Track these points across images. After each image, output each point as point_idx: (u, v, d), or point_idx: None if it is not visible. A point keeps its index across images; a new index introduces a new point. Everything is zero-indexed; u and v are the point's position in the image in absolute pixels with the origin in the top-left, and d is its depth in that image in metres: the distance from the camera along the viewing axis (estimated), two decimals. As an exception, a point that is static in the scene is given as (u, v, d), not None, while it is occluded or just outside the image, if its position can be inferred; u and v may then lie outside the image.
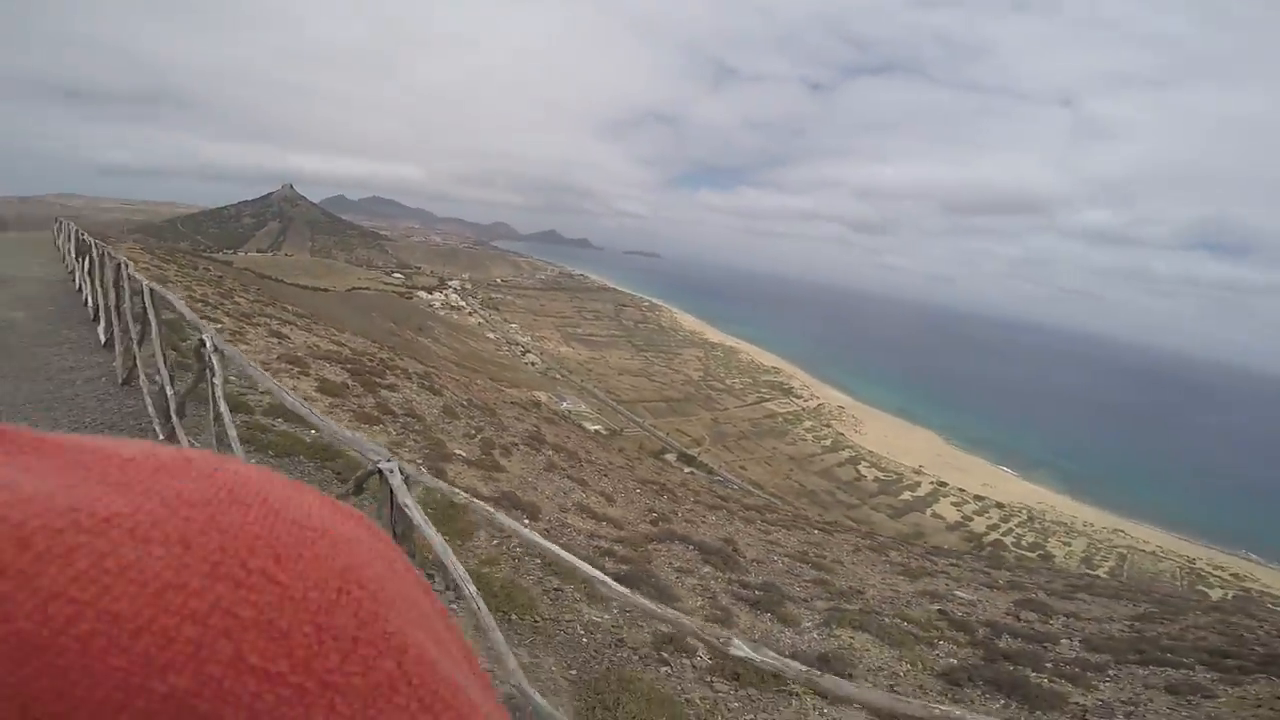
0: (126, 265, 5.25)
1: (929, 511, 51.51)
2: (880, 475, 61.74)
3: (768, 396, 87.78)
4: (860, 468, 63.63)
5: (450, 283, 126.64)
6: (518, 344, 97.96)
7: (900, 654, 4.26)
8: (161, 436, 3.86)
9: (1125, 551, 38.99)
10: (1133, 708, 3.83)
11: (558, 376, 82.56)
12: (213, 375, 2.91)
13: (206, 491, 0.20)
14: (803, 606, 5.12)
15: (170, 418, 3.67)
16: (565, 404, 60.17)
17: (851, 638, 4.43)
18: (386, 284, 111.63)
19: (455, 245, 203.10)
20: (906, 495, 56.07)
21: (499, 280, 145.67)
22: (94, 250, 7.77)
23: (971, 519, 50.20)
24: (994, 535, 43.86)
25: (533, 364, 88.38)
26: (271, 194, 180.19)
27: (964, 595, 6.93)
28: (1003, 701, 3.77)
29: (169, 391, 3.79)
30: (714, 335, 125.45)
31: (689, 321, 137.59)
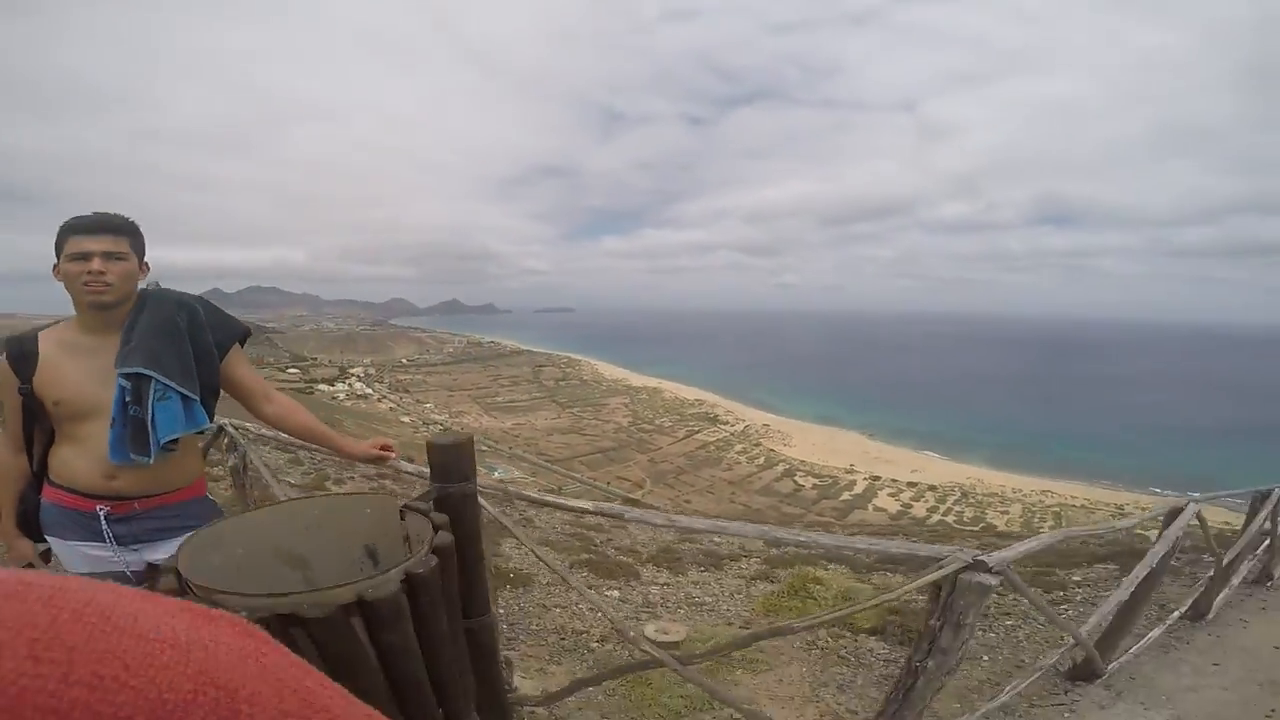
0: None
1: (870, 507, 53.28)
2: (817, 482, 63.46)
3: (697, 429, 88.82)
4: (797, 478, 65.18)
5: (352, 370, 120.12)
6: (436, 423, 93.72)
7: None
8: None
9: (1058, 509, 41.53)
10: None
11: (484, 448, 79.45)
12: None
13: (48, 615, 0.20)
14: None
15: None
16: (497, 473, 57.84)
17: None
18: (282, 381, 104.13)
19: (351, 329, 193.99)
20: (846, 496, 57.83)
21: (405, 360, 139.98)
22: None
23: (911, 505, 52.39)
24: (935, 517, 45.77)
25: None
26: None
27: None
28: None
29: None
30: (636, 380, 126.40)
31: (610, 370, 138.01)
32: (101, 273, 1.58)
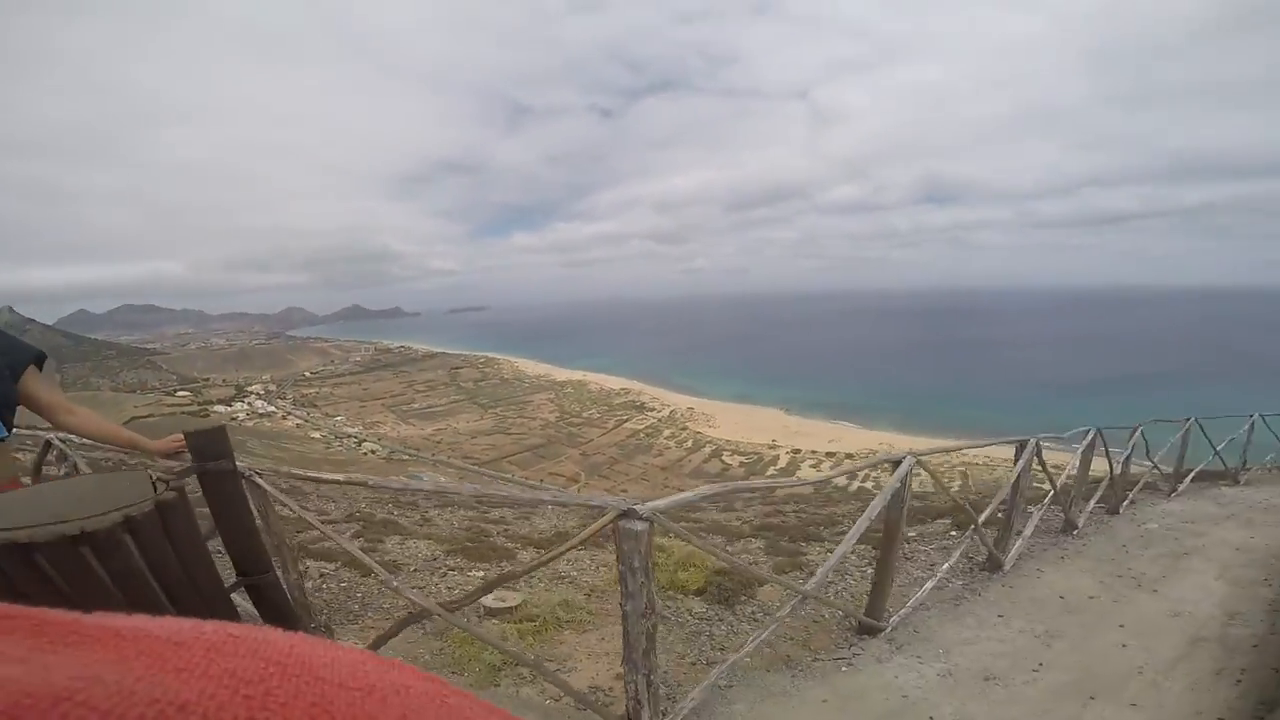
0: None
1: (795, 478, 56.48)
2: (743, 459, 66.40)
3: (625, 417, 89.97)
4: (724, 458, 67.87)
5: (250, 388, 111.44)
6: (349, 436, 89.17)
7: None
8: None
9: (964, 469, 44.93)
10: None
11: (405, 457, 76.63)
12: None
13: (257, 669, 0.21)
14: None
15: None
16: (424, 478, 56.09)
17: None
18: (172, 406, 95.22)
19: (245, 344, 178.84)
20: (771, 471, 60.97)
21: (308, 373, 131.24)
22: None
23: (849, 482, 55.93)
24: (855, 485, 49.28)
25: (373, 452, 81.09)
26: None
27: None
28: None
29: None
30: (560, 374, 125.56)
31: (531, 367, 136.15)
32: None
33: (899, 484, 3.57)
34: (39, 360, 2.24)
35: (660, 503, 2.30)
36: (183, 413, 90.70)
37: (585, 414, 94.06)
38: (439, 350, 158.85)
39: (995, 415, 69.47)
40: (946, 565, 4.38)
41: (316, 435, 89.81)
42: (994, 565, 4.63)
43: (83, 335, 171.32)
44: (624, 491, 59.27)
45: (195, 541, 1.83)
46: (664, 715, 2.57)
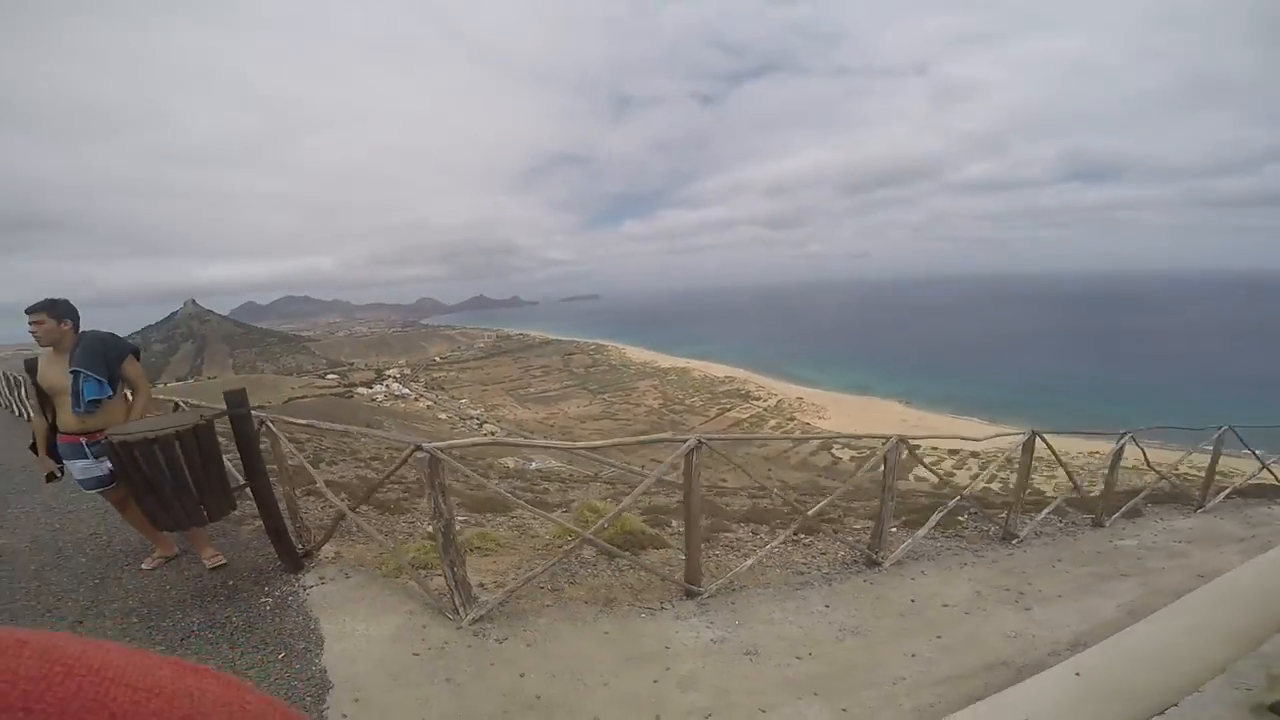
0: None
1: (911, 477, 52.49)
2: (855, 454, 62.78)
3: (729, 406, 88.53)
4: (834, 451, 64.59)
5: (388, 372, 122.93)
6: (472, 418, 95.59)
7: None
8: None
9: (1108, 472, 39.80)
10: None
11: (521, 439, 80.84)
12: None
13: (41, 669, 0.23)
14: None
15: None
16: (534, 464, 58.74)
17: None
18: (322, 387, 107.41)
19: (383, 332, 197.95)
20: (881, 468, 57.15)
21: (437, 358, 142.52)
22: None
23: (953, 474, 51.44)
24: (979, 484, 44.83)
25: (492, 433, 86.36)
26: (176, 313, 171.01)
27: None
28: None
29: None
30: (665, 361, 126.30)
31: (638, 354, 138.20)
32: (34, 334, 3.44)
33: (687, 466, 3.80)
34: (136, 353, 3.78)
35: (443, 444, 3.32)
36: (330, 394, 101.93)
37: (688, 401, 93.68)
38: (554, 337, 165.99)
39: (1158, 412, 60.40)
40: (769, 546, 4.49)
41: (443, 416, 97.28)
42: (869, 562, 4.63)
43: (251, 325, 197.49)
44: (723, 480, 58.21)
45: (215, 451, 3.52)
46: (473, 601, 3.49)
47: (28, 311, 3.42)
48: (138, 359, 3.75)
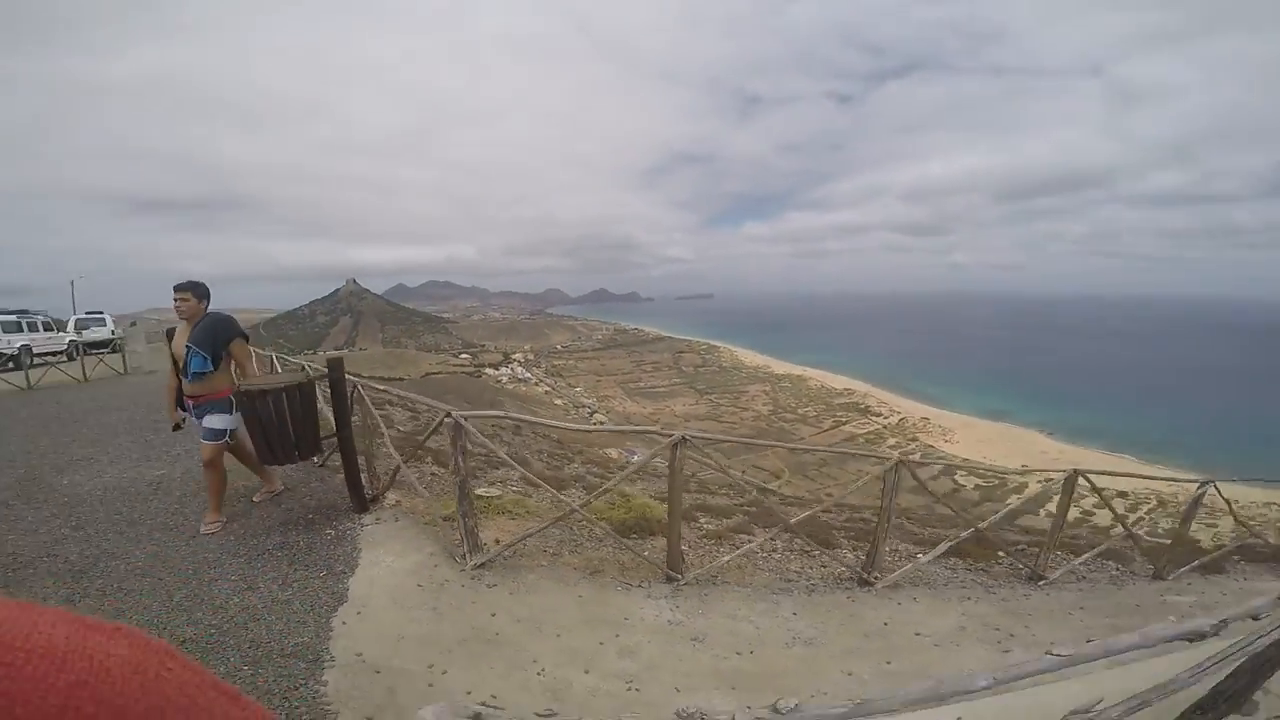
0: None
1: (1041, 512, 47.26)
2: (980, 482, 57.51)
3: (844, 420, 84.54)
4: (957, 477, 59.55)
5: (514, 356, 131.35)
6: (585, 406, 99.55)
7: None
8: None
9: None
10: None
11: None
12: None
13: None
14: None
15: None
16: (635, 456, 60.05)
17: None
18: (455, 365, 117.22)
19: (514, 318, 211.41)
20: (1013, 500, 51.83)
21: (559, 346, 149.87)
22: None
23: (1093, 513, 45.44)
24: (1120, 528, 39.39)
25: (601, 423, 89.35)
26: (338, 290, 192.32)
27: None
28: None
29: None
30: (779, 367, 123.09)
31: (750, 357, 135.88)
32: (178, 308, 4.38)
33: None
34: (244, 337, 4.58)
35: (466, 412, 4.13)
36: (462, 372, 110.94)
37: (800, 410, 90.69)
38: (667, 334, 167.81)
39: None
40: (745, 548, 4.75)
41: (559, 402, 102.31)
42: (862, 581, 4.69)
43: (400, 304, 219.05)
44: (829, 496, 55.73)
45: (312, 404, 4.50)
46: (479, 550, 4.10)
47: (176, 289, 4.33)
48: (246, 341, 4.58)
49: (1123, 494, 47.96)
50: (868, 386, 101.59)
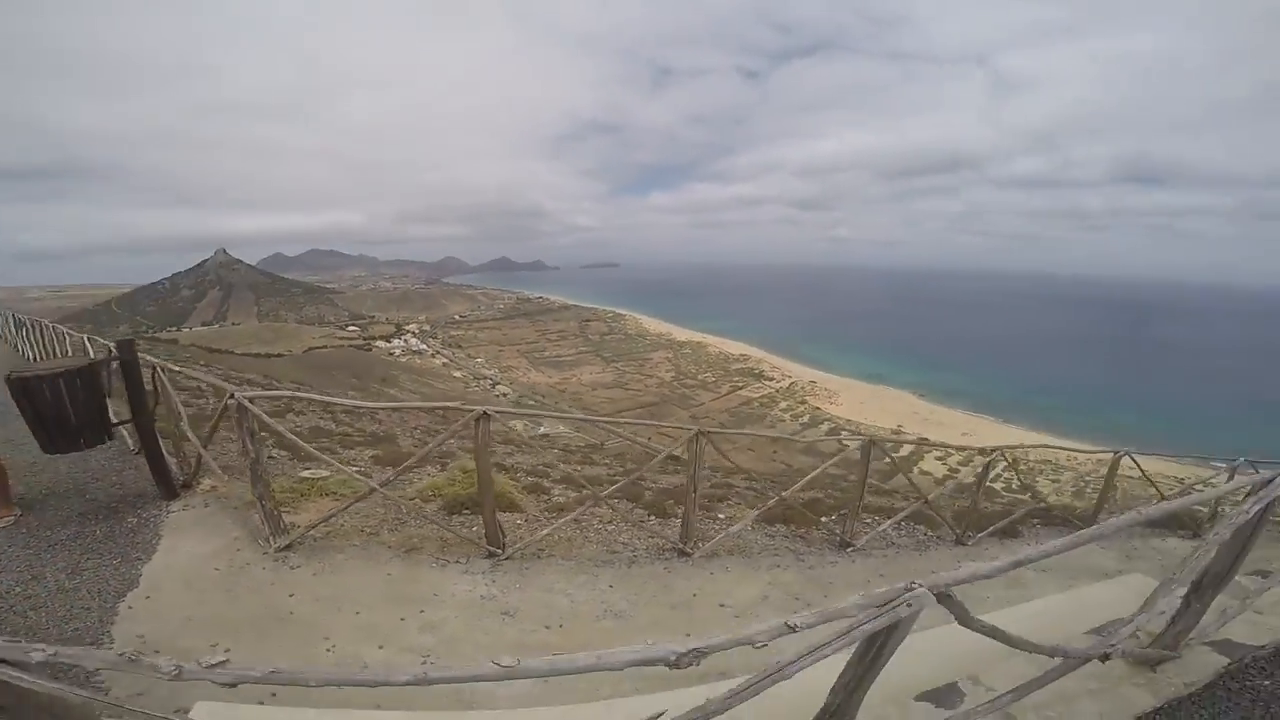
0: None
1: (916, 470, 52.06)
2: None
3: (740, 384, 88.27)
4: (842, 438, 64.11)
5: (408, 327, 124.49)
6: (486, 378, 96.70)
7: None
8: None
9: (1117, 480, 38.88)
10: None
11: (532, 403, 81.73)
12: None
13: None
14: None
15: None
16: (542, 429, 59.37)
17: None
18: (342, 339, 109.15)
19: (406, 288, 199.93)
20: (885, 461, 56.70)
21: (457, 316, 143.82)
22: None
23: (958, 470, 50.82)
24: (983, 483, 44.32)
25: (504, 395, 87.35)
26: (206, 261, 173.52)
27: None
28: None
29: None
30: (681, 334, 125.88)
31: (654, 325, 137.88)
32: None
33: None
34: None
35: (250, 393, 3.85)
36: (350, 345, 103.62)
37: (700, 376, 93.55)
38: (572, 303, 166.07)
39: (1173, 427, 58.21)
40: (562, 520, 4.64)
41: (458, 375, 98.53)
42: (680, 552, 4.66)
43: (278, 275, 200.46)
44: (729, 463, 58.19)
45: (97, 389, 4.03)
46: (283, 532, 3.91)
47: None
48: None
49: (983, 452, 53.84)
50: (762, 352, 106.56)
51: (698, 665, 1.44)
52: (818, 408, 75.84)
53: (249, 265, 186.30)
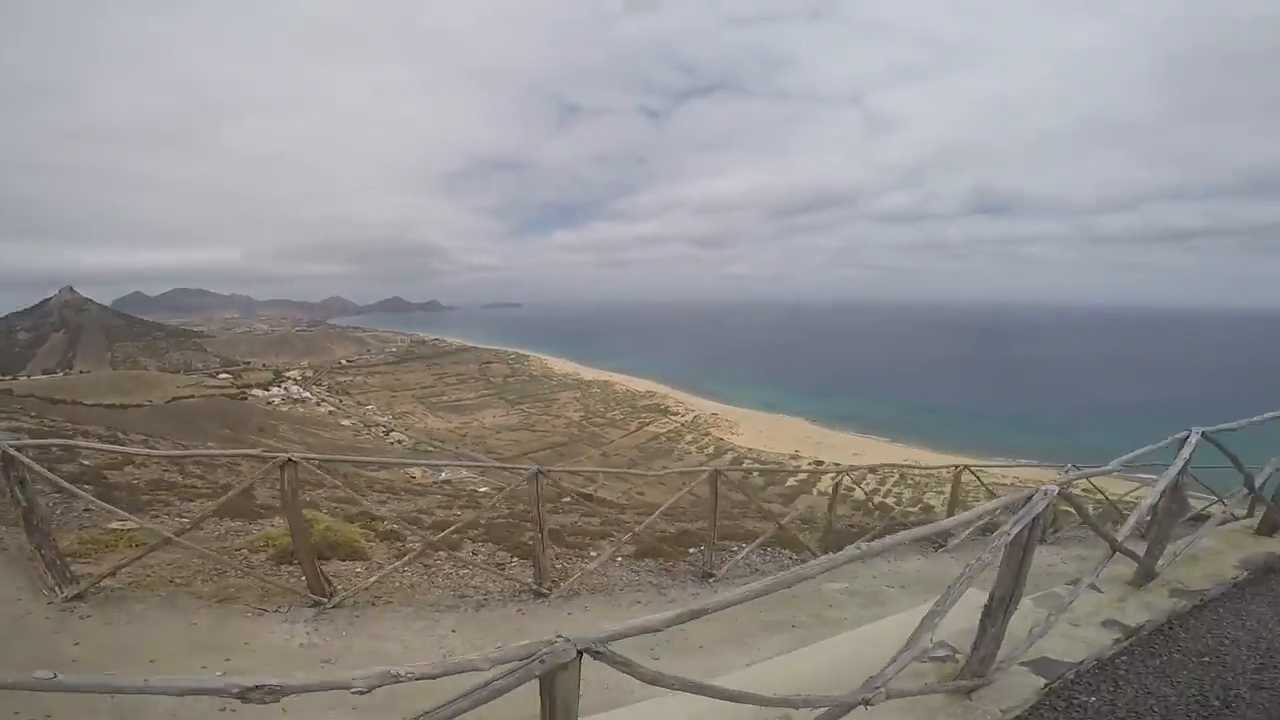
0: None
1: (814, 491, 54.92)
2: (763, 467, 64.91)
3: (648, 420, 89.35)
4: (745, 465, 66.43)
5: (288, 374, 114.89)
6: (378, 425, 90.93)
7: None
8: None
9: (992, 488, 43.21)
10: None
11: (430, 449, 77.70)
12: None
13: None
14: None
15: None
16: (444, 474, 56.53)
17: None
18: (212, 387, 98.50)
19: (286, 330, 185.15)
20: (791, 481, 59.49)
21: (344, 361, 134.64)
22: None
23: (853, 489, 53.84)
24: (876, 499, 47.50)
25: (399, 442, 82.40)
26: (49, 300, 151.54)
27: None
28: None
29: None
30: (588, 374, 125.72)
31: (560, 365, 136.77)
32: None
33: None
34: None
35: (17, 442, 3.69)
36: (221, 395, 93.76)
37: (609, 414, 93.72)
38: (471, 344, 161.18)
39: (1026, 435, 66.27)
40: (397, 564, 4.57)
41: (346, 423, 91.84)
42: (536, 594, 4.66)
43: (135, 316, 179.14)
44: (640, 495, 58.61)
45: None
46: (70, 582, 3.75)
47: None
48: None
49: (873, 470, 57.79)
50: (666, 388, 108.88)
51: (266, 704, 1.30)
52: (721, 439, 78.26)
53: (101, 305, 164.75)
